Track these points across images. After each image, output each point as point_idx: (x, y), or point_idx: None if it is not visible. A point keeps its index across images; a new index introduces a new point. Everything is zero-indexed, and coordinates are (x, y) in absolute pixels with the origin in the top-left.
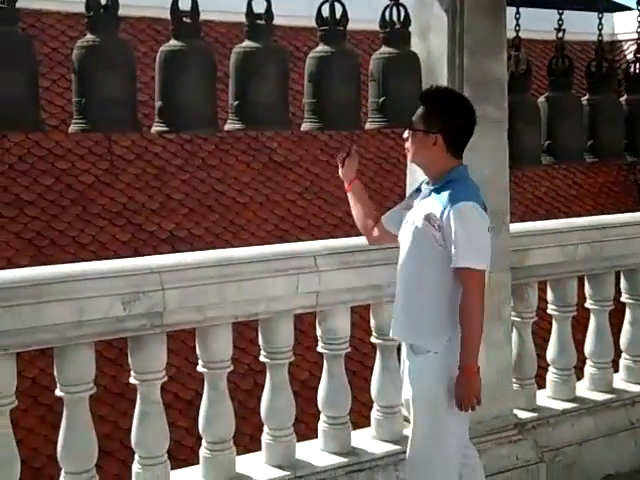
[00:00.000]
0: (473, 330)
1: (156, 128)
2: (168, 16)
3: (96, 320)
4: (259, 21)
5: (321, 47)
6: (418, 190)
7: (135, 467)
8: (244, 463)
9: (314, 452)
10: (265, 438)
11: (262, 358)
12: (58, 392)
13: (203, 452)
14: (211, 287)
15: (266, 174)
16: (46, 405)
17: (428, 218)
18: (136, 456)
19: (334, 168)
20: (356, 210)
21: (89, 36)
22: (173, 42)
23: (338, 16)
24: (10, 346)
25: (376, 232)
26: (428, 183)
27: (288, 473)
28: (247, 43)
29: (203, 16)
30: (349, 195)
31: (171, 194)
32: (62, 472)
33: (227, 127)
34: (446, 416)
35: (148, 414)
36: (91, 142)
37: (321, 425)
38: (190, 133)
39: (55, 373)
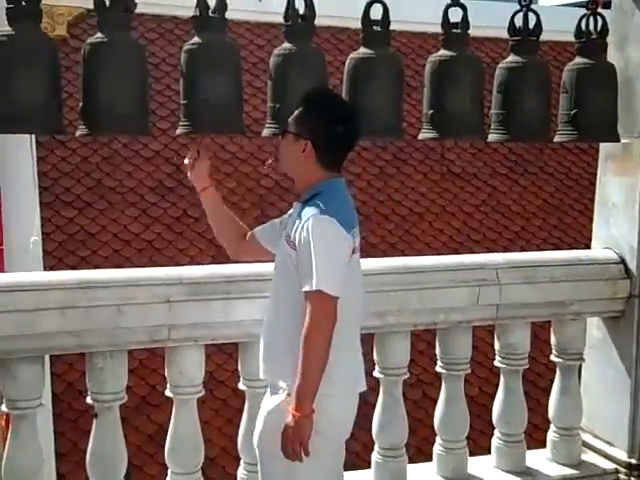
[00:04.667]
0: (309, 364)
1: None
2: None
3: None
4: (455, 30)
5: (512, 57)
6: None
7: None
8: (415, 472)
9: (486, 468)
10: (437, 449)
11: (438, 368)
12: (241, 385)
13: (375, 457)
14: (392, 294)
15: (443, 185)
16: (221, 399)
17: (287, 237)
18: None
19: (512, 182)
20: (214, 219)
21: (286, 44)
22: (363, 50)
23: (531, 26)
24: (200, 338)
25: (243, 245)
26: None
27: None
28: (443, 52)
29: None
30: (203, 202)
31: None
32: (241, 462)
33: (421, 136)
34: (304, 473)
35: None
36: (272, 147)
37: (495, 442)
38: (377, 139)
39: (239, 367)
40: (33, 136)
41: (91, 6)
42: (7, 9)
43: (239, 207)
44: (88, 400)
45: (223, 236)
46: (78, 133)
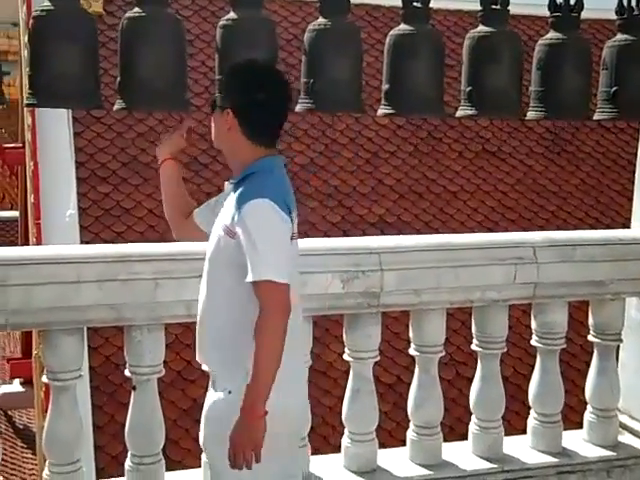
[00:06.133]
0: (265, 358)
1: (382, 110)
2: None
3: (316, 295)
4: (494, 6)
5: (552, 34)
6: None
7: (345, 441)
8: (450, 451)
9: (522, 448)
10: (472, 428)
11: (474, 347)
12: None
13: (410, 435)
14: (428, 271)
15: (478, 164)
16: None
17: (223, 223)
18: (346, 431)
19: (549, 161)
20: (164, 194)
21: (321, 19)
22: (403, 26)
23: (572, 2)
24: None
25: (184, 225)
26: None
27: (495, 466)
28: (481, 28)
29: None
30: (160, 174)
31: (382, 179)
32: None
33: (459, 113)
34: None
35: (359, 391)
36: (307, 124)
37: (531, 422)
38: (415, 116)
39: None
40: (70, 111)
41: None
42: None
43: None
44: (127, 373)
45: (170, 214)
46: (116, 107)
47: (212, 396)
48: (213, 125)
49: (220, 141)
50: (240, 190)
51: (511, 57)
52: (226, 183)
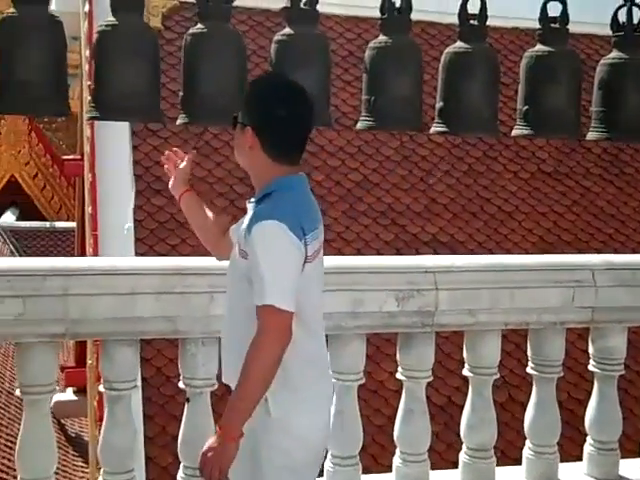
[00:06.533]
0: (250, 381)
1: (435, 128)
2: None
3: (370, 313)
4: (553, 25)
5: (615, 53)
6: None
7: (396, 461)
8: (503, 475)
9: (578, 475)
10: (527, 453)
11: (529, 370)
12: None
13: (463, 457)
14: (484, 292)
15: (534, 184)
16: None
17: (237, 244)
18: (397, 451)
19: (606, 182)
20: (195, 225)
21: (381, 37)
22: (459, 44)
23: (636, 21)
24: None
25: (222, 243)
26: None
27: None
28: (540, 47)
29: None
30: (182, 208)
31: (436, 198)
32: (329, 455)
33: (515, 133)
34: None
35: (412, 411)
36: (361, 141)
37: (587, 448)
38: (469, 135)
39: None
40: (130, 124)
41: None
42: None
43: (326, 200)
44: (180, 385)
45: (205, 239)
46: (179, 121)
47: None
48: (234, 142)
49: (242, 159)
50: (255, 210)
51: (570, 76)
52: (247, 203)
